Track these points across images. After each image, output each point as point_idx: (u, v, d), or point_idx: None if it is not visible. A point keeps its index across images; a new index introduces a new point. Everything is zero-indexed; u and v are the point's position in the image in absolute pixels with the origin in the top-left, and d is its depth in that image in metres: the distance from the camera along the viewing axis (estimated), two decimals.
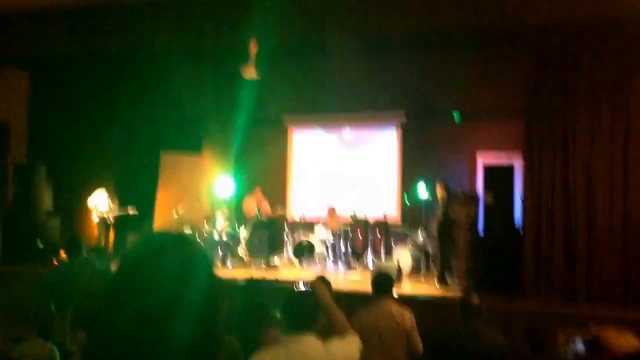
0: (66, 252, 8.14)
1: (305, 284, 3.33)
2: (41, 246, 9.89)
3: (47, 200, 10.70)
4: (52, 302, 6.62)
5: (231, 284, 7.28)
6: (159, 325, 0.98)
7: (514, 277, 7.44)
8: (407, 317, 4.92)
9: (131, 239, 10.39)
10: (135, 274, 1.04)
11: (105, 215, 10.39)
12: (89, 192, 10.54)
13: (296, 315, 3.05)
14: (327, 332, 3.19)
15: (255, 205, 11.15)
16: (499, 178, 8.20)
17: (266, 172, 11.97)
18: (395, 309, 4.94)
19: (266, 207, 11.26)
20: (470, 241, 8.14)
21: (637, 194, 7.15)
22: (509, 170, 8.21)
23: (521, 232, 7.76)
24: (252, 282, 6.14)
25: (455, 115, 10.26)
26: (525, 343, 4.77)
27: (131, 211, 10.40)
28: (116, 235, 10.78)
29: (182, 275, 1.04)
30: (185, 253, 1.08)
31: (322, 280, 3.45)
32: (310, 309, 3.10)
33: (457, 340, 4.46)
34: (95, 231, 10.62)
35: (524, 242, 7.51)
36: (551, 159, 7.43)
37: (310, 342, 2.95)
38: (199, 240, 9.99)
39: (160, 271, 1.03)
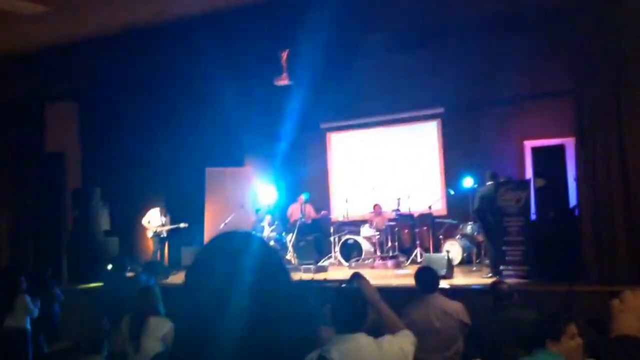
0: (114, 269, 8.17)
1: (350, 282, 3.04)
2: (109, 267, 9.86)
3: (104, 221, 10.81)
4: (105, 317, 6.55)
5: None
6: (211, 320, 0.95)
7: (572, 261, 6.83)
8: (459, 308, 4.62)
9: (185, 251, 10.42)
10: (196, 272, 1.03)
11: (159, 230, 10.41)
12: (143, 210, 10.63)
13: (345, 314, 2.86)
14: (377, 328, 2.90)
15: (299, 209, 10.91)
16: (549, 159, 7.56)
17: (308, 176, 11.73)
18: (446, 302, 4.67)
19: (310, 210, 11.00)
20: (523, 227, 7.54)
21: None
22: (559, 150, 7.55)
23: (577, 214, 7.13)
24: (301, 283, 5.91)
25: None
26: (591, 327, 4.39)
27: (182, 225, 10.37)
28: (170, 249, 10.77)
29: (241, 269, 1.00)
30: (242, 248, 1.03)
31: (360, 277, 3.20)
32: (359, 307, 2.89)
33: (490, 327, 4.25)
34: (150, 246, 10.67)
35: (581, 224, 6.82)
36: (605, 135, 6.60)
37: (362, 340, 2.75)
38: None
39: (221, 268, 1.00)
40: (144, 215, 10.52)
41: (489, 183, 8.18)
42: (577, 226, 6.88)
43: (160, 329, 4.49)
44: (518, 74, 9.54)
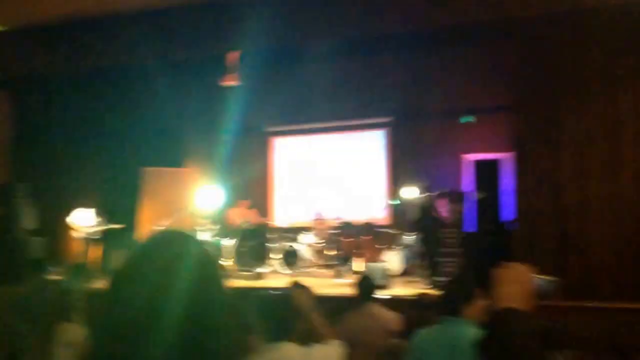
0: (37, 271, 7.85)
1: (282, 289, 3.04)
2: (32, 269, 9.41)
3: (30, 219, 10.34)
4: (22, 323, 6.23)
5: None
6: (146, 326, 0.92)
7: None
8: (392, 318, 4.68)
9: (116, 254, 10.09)
10: (125, 275, 1.01)
11: (89, 231, 10.06)
12: (73, 209, 10.24)
13: (274, 322, 2.85)
14: (308, 337, 2.89)
15: (240, 215, 10.80)
16: (487, 173, 7.88)
17: (250, 181, 11.64)
18: (381, 311, 4.72)
19: (251, 216, 10.92)
20: (459, 239, 7.77)
21: (629, 182, 6.74)
22: (496, 165, 7.88)
23: (511, 226, 7.41)
24: (237, 291, 5.82)
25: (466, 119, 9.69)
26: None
27: (115, 226, 10.06)
28: (100, 252, 10.41)
29: (171, 272, 0.97)
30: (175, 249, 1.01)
31: (299, 286, 3.20)
32: (288, 315, 2.90)
33: None
34: (78, 248, 10.28)
35: (515, 236, 7.12)
36: (541, 151, 6.97)
37: (291, 349, 2.76)
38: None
39: (147, 270, 0.98)
40: (73, 214, 10.14)
41: (424, 195, 8.40)
42: (512, 238, 7.13)
43: (72, 336, 4.30)
44: (459, 88, 9.80)
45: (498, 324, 1.23)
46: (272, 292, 2.98)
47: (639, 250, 6.62)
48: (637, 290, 6.47)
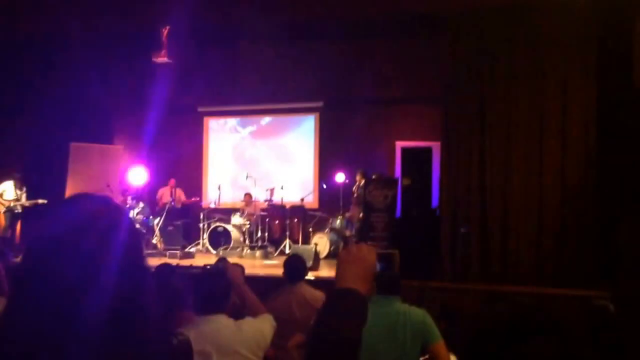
0: None
1: (216, 264, 3.11)
2: None
3: None
4: None
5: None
6: (74, 300, 0.89)
7: (431, 258, 7.36)
8: (320, 297, 4.81)
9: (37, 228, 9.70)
10: (50, 247, 0.93)
11: (13, 205, 9.69)
12: None
13: (207, 295, 2.87)
14: (240, 311, 3.00)
15: (169, 193, 10.70)
16: (417, 161, 8.12)
17: (181, 160, 11.50)
18: (309, 291, 4.81)
19: (180, 195, 10.83)
20: (388, 224, 7.98)
21: (551, 174, 7.09)
22: (427, 153, 8.13)
23: (438, 214, 7.69)
24: (164, 267, 5.79)
25: None
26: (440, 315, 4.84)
27: (40, 201, 9.70)
28: (24, 226, 10.04)
29: (99, 245, 0.93)
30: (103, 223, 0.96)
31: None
32: (221, 289, 2.92)
33: None
34: (1, 222, 9.89)
35: (440, 223, 7.40)
36: (468, 142, 7.24)
37: (222, 322, 2.79)
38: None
39: (74, 244, 0.92)
40: None
41: (355, 179, 8.61)
42: (437, 225, 7.44)
43: None
44: (394, 77, 10.03)
45: (327, 305, 1.22)
46: (205, 266, 3.05)
47: (557, 239, 6.98)
48: (554, 277, 6.86)
